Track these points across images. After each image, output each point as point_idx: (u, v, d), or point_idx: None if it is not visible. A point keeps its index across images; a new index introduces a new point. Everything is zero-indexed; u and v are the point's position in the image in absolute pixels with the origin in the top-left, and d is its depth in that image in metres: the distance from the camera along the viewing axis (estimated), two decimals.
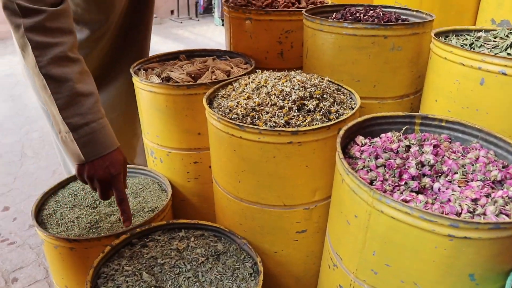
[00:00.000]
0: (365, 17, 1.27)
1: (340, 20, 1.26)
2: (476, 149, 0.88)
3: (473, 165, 0.82)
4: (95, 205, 1.32)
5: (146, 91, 1.27)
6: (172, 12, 7.34)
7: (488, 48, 1.03)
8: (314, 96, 1.00)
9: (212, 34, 6.24)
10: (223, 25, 6.34)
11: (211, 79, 1.31)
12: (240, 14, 1.45)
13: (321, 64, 1.26)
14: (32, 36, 0.89)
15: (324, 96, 1.01)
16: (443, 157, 0.84)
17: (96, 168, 0.96)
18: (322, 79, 1.11)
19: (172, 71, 1.38)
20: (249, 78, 1.12)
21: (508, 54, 0.98)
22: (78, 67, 0.95)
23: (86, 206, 1.31)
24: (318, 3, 1.50)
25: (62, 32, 0.93)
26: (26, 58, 0.92)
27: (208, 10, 7.22)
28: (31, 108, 3.54)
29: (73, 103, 0.92)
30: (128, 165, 1.42)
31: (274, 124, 0.93)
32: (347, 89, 1.13)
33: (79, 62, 0.96)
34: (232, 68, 1.40)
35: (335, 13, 1.37)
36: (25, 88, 3.95)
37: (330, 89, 1.06)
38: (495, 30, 1.11)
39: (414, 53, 1.21)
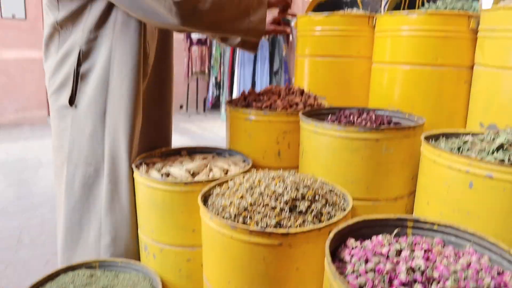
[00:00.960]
0: (358, 120, 1.33)
1: (334, 123, 1.32)
2: (469, 254, 0.87)
3: (465, 271, 0.80)
4: None
5: (145, 186, 1.30)
6: (181, 106, 7.69)
7: (475, 152, 1.06)
8: (306, 197, 1.01)
9: (219, 130, 6.45)
10: None
11: (208, 177, 1.34)
12: (240, 114, 1.52)
13: (316, 164, 1.29)
14: None
15: (316, 197, 1.03)
16: (434, 262, 0.82)
17: None
18: (316, 180, 1.13)
19: (172, 166, 1.42)
20: (243, 177, 1.14)
21: (495, 158, 1.01)
22: None
23: None
24: (315, 105, 1.58)
25: None
26: None
27: (215, 106, 7.53)
28: (35, 194, 3.58)
29: None
30: (120, 260, 1.41)
31: (265, 225, 0.94)
32: (340, 190, 1.14)
33: None
34: (230, 166, 1.43)
35: (330, 115, 1.44)
36: (34, 173, 4.04)
37: (323, 190, 1.07)
38: (482, 134, 1.15)
39: (406, 155, 1.24)
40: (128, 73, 1.35)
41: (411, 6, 1.82)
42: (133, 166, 1.38)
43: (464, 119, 1.52)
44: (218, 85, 6.76)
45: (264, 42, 6.24)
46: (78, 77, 1.38)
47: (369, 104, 1.71)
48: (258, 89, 5.50)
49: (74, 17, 1.35)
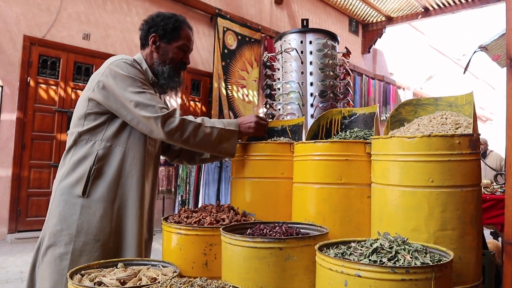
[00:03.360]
0: (270, 233, 1.53)
1: (244, 235, 1.51)
2: None
3: None
4: None
5: None
6: None
7: (356, 256, 1.25)
8: None
9: None
10: None
11: (135, 284, 1.47)
12: (173, 229, 1.70)
13: (231, 272, 1.45)
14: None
15: None
16: None
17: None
18: (225, 285, 1.29)
19: (105, 276, 1.54)
20: (160, 283, 1.29)
21: (369, 259, 1.20)
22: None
23: None
24: (241, 221, 1.78)
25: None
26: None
27: None
28: None
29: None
30: None
31: None
32: None
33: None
34: (159, 276, 1.57)
35: (249, 230, 1.63)
36: None
37: None
38: (364, 240, 1.36)
39: (309, 262, 1.42)
40: (137, 171, 1.90)
41: (327, 135, 2.15)
42: (67, 276, 1.50)
43: (369, 229, 1.73)
44: (183, 203, 6.94)
45: (228, 163, 6.62)
46: (92, 175, 1.84)
47: (292, 218, 1.92)
48: None
49: (93, 130, 1.87)
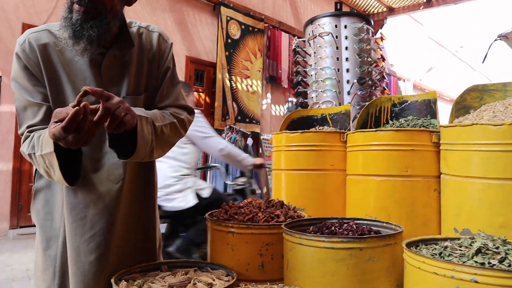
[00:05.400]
0: (340, 230, 1.37)
1: (317, 234, 1.35)
2: None
3: None
4: None
5: None
6: None
7: (456, 257, 1.10)
8: None
9: None
10: None
11: None
12: (223, 228, 1.53)
13: (302, 276, 1.29)
14: None
15: None
16: None
17: None
18: None
19: (154, 282, 1.38)
20: None
21: (475, 261, 1.05)
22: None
23: None
24: (295, 217, 1.62)
25: None
26: None
27: None
28: None
29: None
30: None
31: None
32: None
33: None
34: (214, 280, 1.41)
35: (312, 227, 1.48)
36: None
37: None
38: (459, 239, 1.21)
39: (390, 263, 1.27)
40: None
41: (377, 124, 1.99)
42: (112, 282, 1.34)
43: (438, 225, 1.59)
44: None
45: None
46: None
47: (346, 214, 1.77)
48: None
49: None
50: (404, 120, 1.89)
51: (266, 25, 8.83)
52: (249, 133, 7.50)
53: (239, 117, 8.07)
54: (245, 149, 6.78)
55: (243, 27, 8.28)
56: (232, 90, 8.02)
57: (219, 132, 7.41)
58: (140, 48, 1.47)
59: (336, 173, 1.86)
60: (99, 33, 1.27)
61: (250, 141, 7.14)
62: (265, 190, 8.38)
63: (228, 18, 8.02)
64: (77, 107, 1.04)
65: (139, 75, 1.47)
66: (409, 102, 1.99)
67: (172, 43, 1.57)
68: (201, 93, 7.86)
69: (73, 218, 1.40)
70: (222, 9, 7.88)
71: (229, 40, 8.02)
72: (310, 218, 1.59)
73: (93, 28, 1.26)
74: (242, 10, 8.33)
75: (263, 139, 8.50)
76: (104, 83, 1.39)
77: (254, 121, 8.43)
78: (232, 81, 8.02)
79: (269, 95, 9.02)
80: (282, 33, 9.06)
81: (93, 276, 1.42)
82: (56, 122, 1.09)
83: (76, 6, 1.25)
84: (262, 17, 8.73)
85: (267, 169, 8.36)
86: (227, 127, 7.04)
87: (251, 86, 8.39)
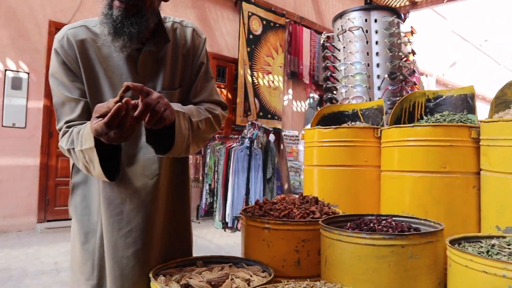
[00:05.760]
0: (379, 227, 1.35)
1: (356, 230, 1.34)
2: None
3: None
4: None
5: None
6: None
7: (505, 256, 1.07)
8: None
9: (212, 237, 6.32)
10: (223, 228, 6.53)
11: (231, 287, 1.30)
12: (258, 224, 1.53)
13: (341, 273, 1.28)
14: None
15: None
16: None
17: None
18: None
19: (191, 278, 1.38)
20: None
21: None
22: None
23: None
24: (330, 213, 1.60)
25: None
26: None
27: (209, 213, 7.43)
28: None
29: None
30: None
31: None
32: None
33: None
34: (251, 276, 1.41)
35: (349, 223, 1.46)
36: (17, 284, 3.79)
37: None
38: (504, 237, 1.18)
39: (431, 261, 1.24)
40: None
41: (411, 119, 1.96)
42: (150, 277, 1.35)
43: (477, 222, 1.55)
44: (211, 193, 6.79)
45: (257, 151, 6.45)
46: None
47: (380, 210, 1.75)
48: (252, 196, 5.48)
49: None
50: (440, 115, 1.85)
51: (287, 20, 8.79)
52: (271, 129, 7.48)
53: (261, 113, 8.07)
54: (267, 145, 6.78)
55: (264, 22, 8.26)
56: (254, 86, 8.02)
57: (241, 128, 7.43)
58: (174, 43, 1.48)
59: (369, 169, 1.83)
60: (139, 30, 1.28)
61: (272, 137, 7.12)
62: (286, 186, 8.38)
63: (250, 14, 8.01)
64: (119, 103, 1.05)
65: (174, 70, 1.47)
66: (444, 97, 1.95)
67: (205, 38, 1.57)
68: (223, 89, 7.87)
69: (109, 213, 1.41)
70: (244, 4, 7.87)
71: (251, 36, 8.01)
72: (346, 214, 1.57)
73: (134, 24, 1.27)
74: (264, 5, 8.30)
75: (284, 135, 8.49)
76: (140, 79, 1.40)
77: (276, 117, 8.41)
78: (253, 77, 8.01)
79: (290, 91, 8.99)
80: (304, 28, 9.01)
81: (130, 271, 1.43)
82: (97, 117, 1.10)
83: (116, 3, 1.26)
84: (284, 13, 8.69)
85: (288, 165, 8.37)
86: (249, 123, 7.04)
87: (272, 82, 8.38)
